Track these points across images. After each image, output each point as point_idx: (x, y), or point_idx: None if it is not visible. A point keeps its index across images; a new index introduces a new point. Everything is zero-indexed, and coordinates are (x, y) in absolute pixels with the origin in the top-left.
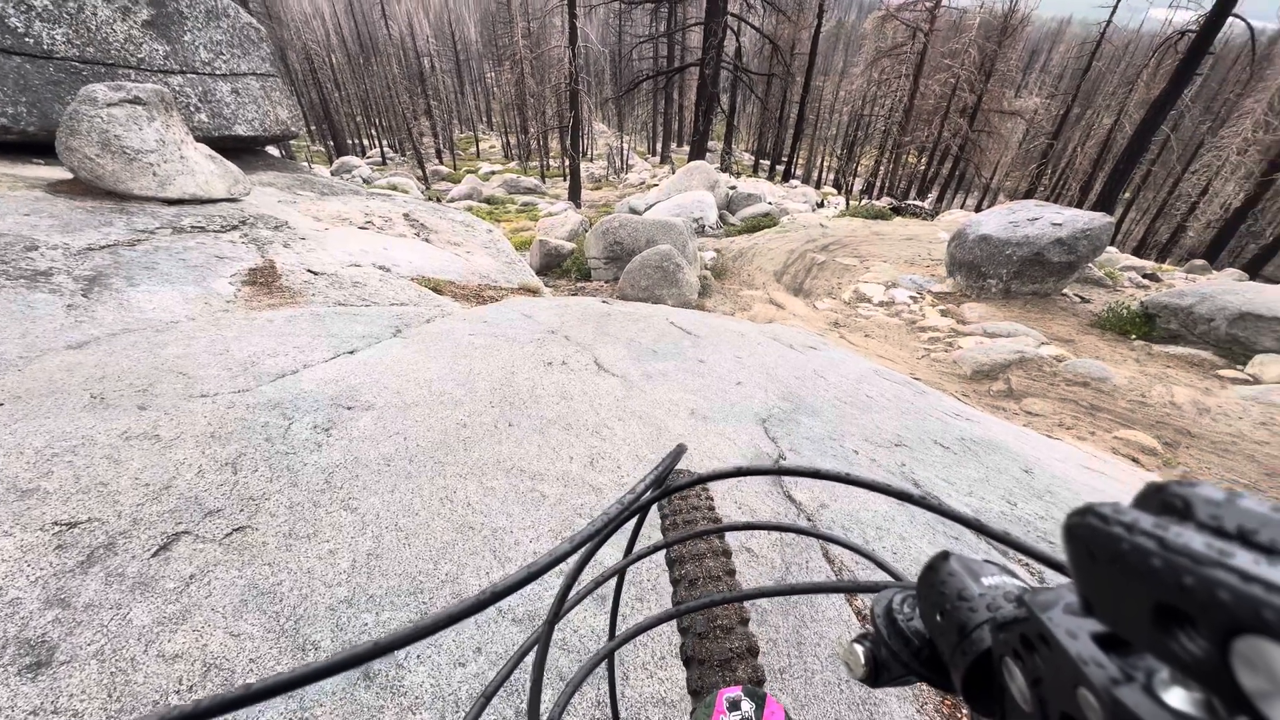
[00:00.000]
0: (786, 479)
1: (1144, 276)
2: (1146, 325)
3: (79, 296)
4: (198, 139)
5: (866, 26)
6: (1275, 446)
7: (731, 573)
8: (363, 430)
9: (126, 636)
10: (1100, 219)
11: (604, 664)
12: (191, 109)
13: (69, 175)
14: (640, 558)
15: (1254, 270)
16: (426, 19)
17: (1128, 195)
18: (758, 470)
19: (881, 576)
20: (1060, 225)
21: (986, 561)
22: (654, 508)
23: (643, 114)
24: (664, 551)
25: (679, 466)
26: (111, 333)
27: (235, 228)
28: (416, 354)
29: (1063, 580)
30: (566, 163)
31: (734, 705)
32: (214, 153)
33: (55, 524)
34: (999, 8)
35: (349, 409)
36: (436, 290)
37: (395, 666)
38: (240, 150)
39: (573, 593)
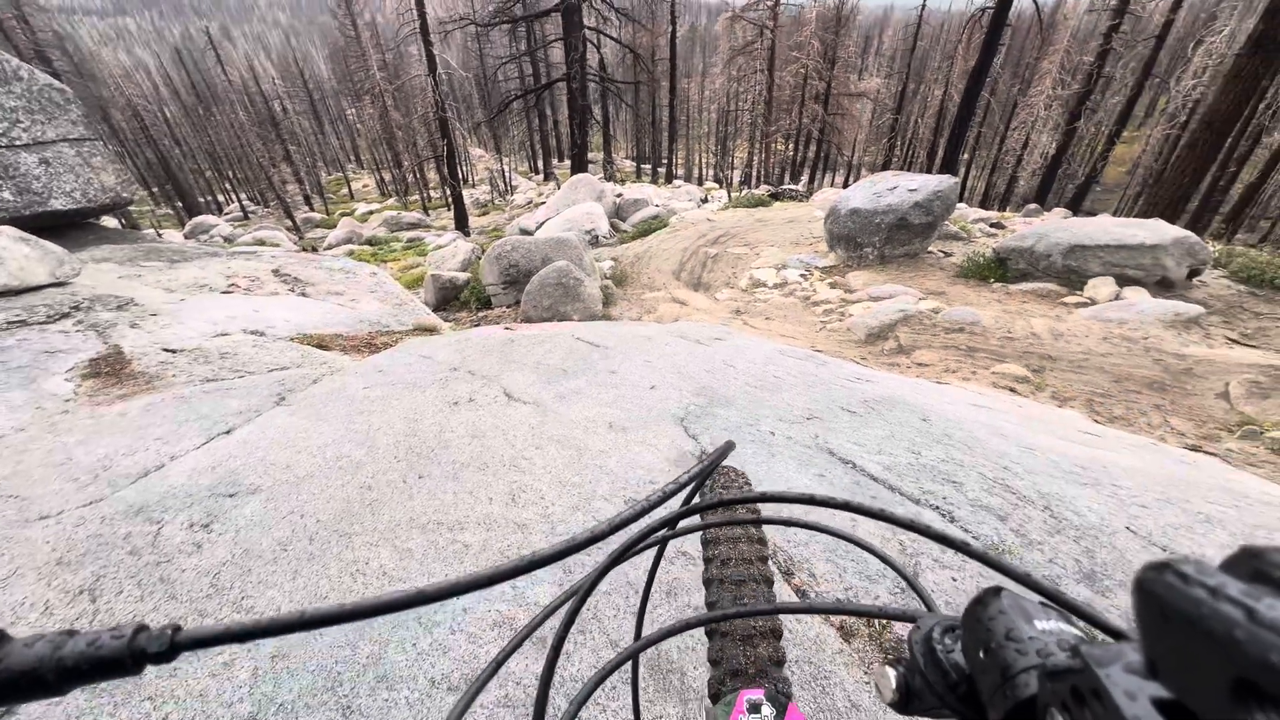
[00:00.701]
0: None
1: (991, 225)
2: (1001, 268)
3: None
4: (6, 221)
5: (718, 28)
6: (1118, 356)
7: (765, 559)
8: (250, 517)
9: None
10: (947, 180)
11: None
12: None
13: None
14: (676, 535)
15: (1075, 207)
16: (269, 60)
17: (966, 156)
18: (787, 498)
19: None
20: (915, 190)
21: (1042, 604)
22: (694, 489)
23: (518, 134)
24: (699, 540)
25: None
26: None
27: (66, 315)
28: (305, 420)
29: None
30: (448, 193)
31: (755, 708)
32: (27, 235)
33: None
34: (831, 0)
35: (230, 496)
36: (322, 346)
37: None
38: (64, 227)
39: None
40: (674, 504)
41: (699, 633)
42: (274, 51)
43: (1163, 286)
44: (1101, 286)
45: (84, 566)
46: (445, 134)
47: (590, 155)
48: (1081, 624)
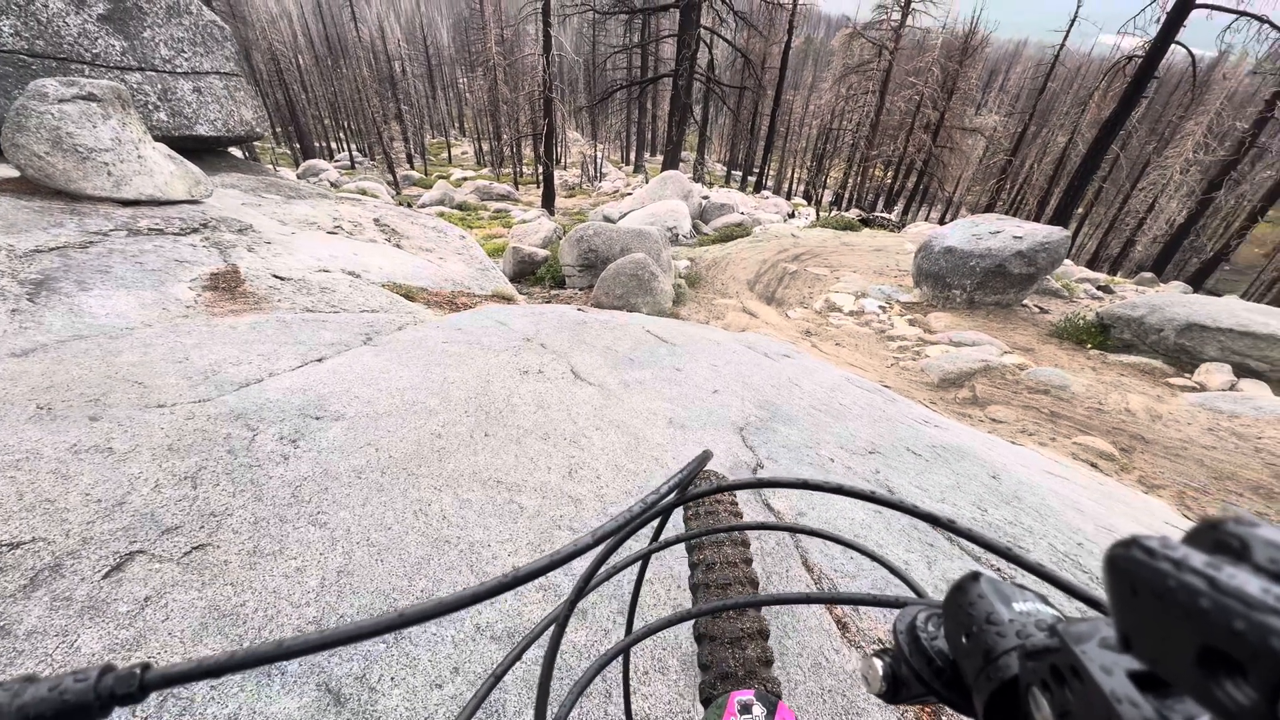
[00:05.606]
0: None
1: (1098, 288)
2: (1101, 335)
3: (24, 301)
4: (157, 138)
5: (834, 43)
6: (1221, 451)
7: (749, 561)
8: (332, 441)
9: (74, 665)
10: (1058, 232)
11: (616, 661)
12: (150, 107)
13: (15, 173)
14: (662, 548)
15: (1197, 283)
16: (398, 22)
17: (1081, 210)
18: (781, 482)
19: (903, 592)
20: (1021, 238)
21: (1019, 586)
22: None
23: (616, 123)
24: (683, 544)
25: (707, 469)
26: (61, 339)
27: (196, 230)
28: (388, 362)
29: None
30: (540, 170)
31: (745, 709)
32: (174, 153)
33: None
34: (960, 28)
35: (317, 419)
36: (408, 297)
37: (368, 690)
38: (202, 151)
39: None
40: (659, 515)
41: None
42: (403, 15)
43: None
44: (1215, 373)
45: (190, 455)
46: (548, 113)
47: (683, 154)
48: (1057, 604)
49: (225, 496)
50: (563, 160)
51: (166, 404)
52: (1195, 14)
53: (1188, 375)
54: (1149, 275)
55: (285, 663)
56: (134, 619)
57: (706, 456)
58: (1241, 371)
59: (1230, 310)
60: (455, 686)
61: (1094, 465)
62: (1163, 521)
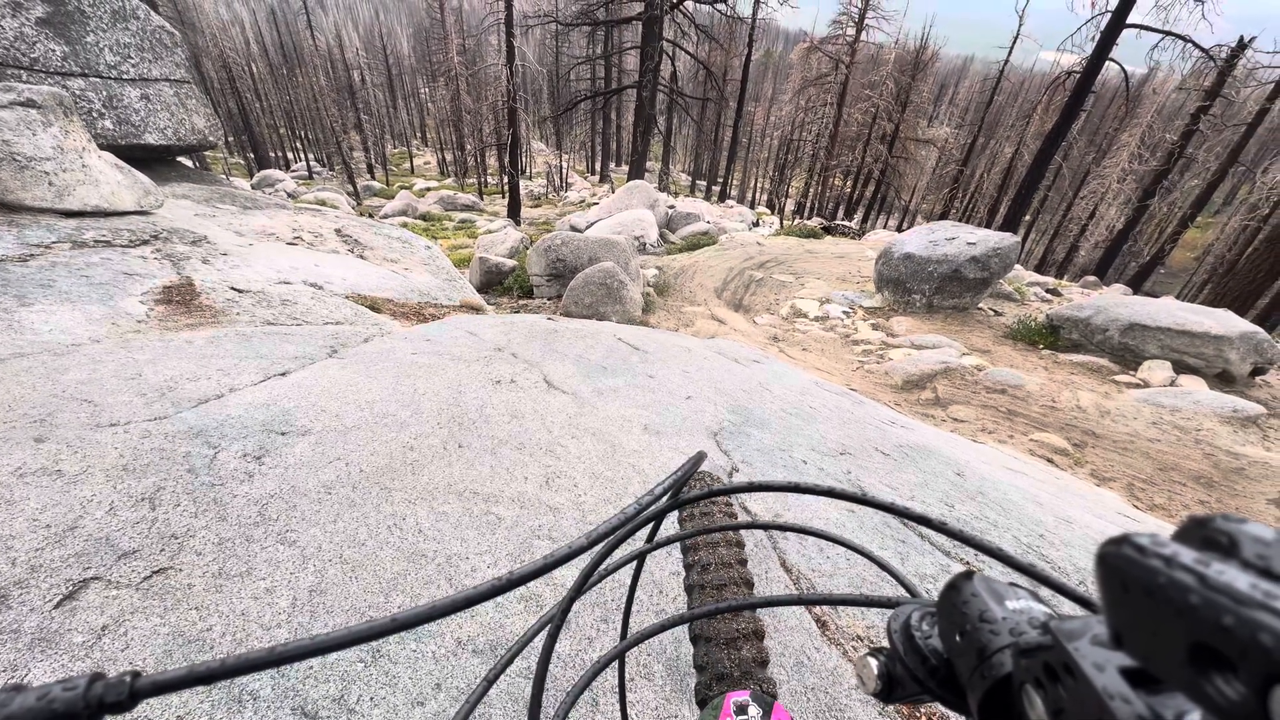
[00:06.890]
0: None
1: (1047, 291)
2: (1052, 336)
3: None
4: (103, 147)
5: (793, 57)
6: (1165, 444)
7: (744, 562)
8: (299, 457)
9: None
10: (1009, 239)
11: (612, 665)
12: (95, 114)
13: None
14: (657, 547)
15: (1136, 286)
16: (356, 31)
17: (1028, 218)
18: (775, 486)
19: (897, 591)
20: (974, 244)
21: (1011, 585)
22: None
23: (581, 134)
24: (679, 545)
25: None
26: (0, 358)
27: (146, 242)
28: (355, 374)
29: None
30: (505, 180)
31: (741, 709)
32: (121, 162)
33: None
34: (911, 44)
35: (283, 434)
36: (374, 308)
37: (347, 712)
38: (152, 160)
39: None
40: (656, 513)
41: None
42: (362, 24)
43: (1222, 380)
44: (1157, 370)
45: (147, 475)
46: (512, 124)
47: (648, 164)
48: (1051, 602)
49: (187, 517)
50: (528, 170)
51: (119, 423)
52: (1127, 33)
53: (1132, 372)
54: (1092, 278)
55: (258, 688)
56: (90, 649)
57: (701, 458)
58: (1180, 368)
59: (1168, 310)
60: (438, 703)
61: (1050, 460)
62: (1115, 512)
